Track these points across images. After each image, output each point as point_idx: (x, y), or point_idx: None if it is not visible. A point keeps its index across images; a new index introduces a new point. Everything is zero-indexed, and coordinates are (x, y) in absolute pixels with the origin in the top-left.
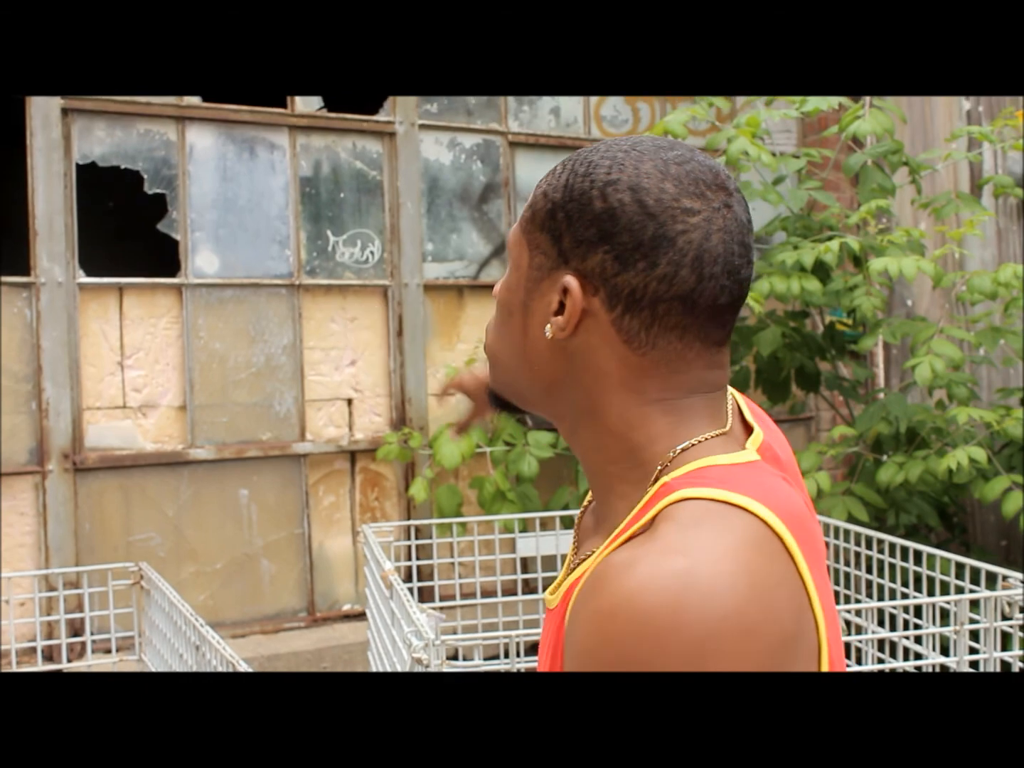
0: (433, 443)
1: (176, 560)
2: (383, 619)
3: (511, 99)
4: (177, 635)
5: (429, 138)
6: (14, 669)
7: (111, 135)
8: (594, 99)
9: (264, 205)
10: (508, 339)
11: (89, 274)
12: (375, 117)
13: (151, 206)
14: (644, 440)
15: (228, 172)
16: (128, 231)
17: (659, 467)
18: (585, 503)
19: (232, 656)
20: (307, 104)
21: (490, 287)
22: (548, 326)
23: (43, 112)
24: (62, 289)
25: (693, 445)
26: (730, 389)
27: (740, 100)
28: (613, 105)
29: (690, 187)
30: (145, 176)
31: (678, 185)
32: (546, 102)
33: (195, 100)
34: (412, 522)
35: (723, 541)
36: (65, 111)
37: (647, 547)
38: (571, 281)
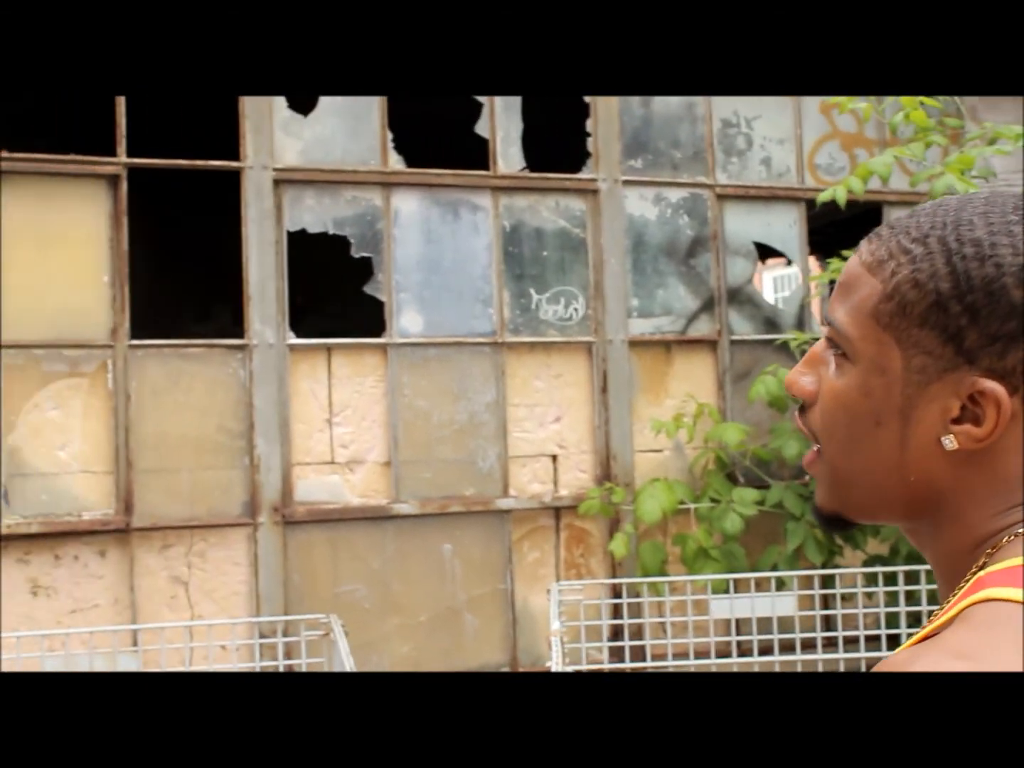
0: (636, 498)
1: (381, 612)
2: None
3: (719, 151)
4: None
5: (633, 194)
6: None
7: (320, 203)
8: (807, 147)
9: (467, 265)
10: (871, 452)
11: (299, 335)
12: (578, 175)
13: (358, 269)
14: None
15: (432, 234)
16: (336, 294)
17: (985, 554)
18: None
19: None
20: (509, 165)
21: (699, 342)
22: (950, 436)
23: (256, 184)
24: (273, 350)
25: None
26: None
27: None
28: (828, 152)
29: None
30: (352, 241)
31: None
32: (756, 152)
33: (400, 166)
34: (605, 580)
35: (1015, 650)
36: (276, 182)
37: (933, 648)
38: (995, 388)
